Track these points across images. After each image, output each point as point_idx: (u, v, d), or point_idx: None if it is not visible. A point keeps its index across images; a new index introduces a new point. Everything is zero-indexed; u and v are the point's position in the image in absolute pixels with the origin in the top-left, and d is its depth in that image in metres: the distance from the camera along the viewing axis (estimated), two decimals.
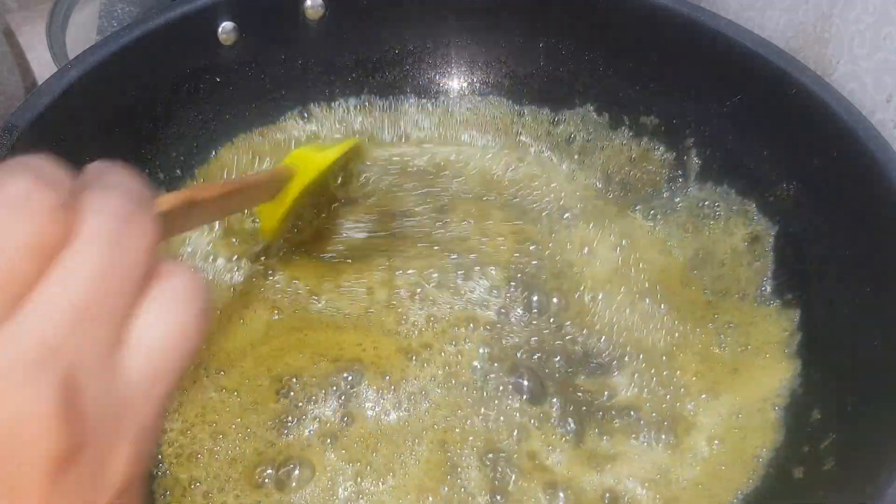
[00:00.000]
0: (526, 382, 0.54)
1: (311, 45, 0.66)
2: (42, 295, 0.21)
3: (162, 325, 0.24)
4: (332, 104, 0.69)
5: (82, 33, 0.78)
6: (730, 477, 0.51)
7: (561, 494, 0.50)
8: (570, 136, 0.69)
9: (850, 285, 0.52)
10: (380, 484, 0.50)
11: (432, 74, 0.70)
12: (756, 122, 0.60)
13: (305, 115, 0.68)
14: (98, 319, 0.22)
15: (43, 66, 0.80)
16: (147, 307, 0.24)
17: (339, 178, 0.63)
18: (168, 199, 0.31)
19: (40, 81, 0.63)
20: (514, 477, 0.50)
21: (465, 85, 0.70)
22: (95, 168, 0.26)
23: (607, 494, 0.50)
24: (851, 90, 0.57)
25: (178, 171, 0.63)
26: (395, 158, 0.69)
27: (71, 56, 0.72)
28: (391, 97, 0.70)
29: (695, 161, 0.64)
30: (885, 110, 0.55)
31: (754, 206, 0.60)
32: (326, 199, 0.63)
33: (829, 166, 0.55)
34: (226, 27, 0.61)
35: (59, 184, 0.23)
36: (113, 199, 0.24)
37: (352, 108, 0.70)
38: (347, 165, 0.64)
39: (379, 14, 0.67)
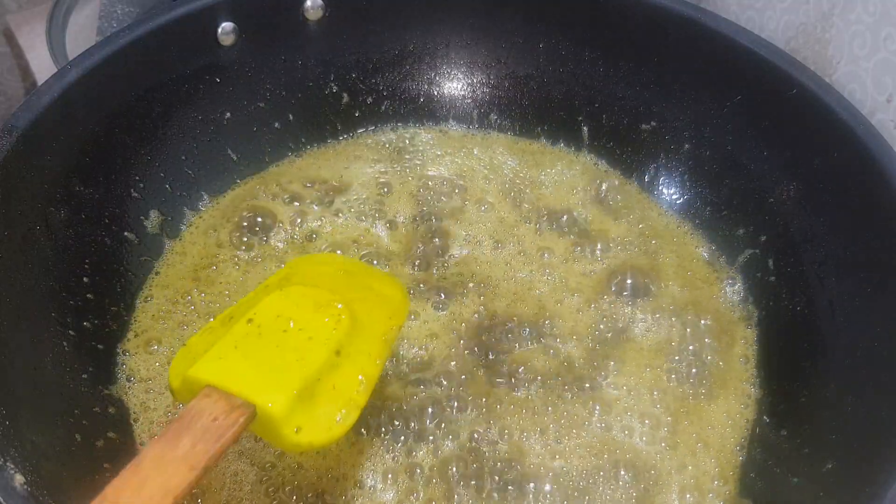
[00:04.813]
0: None
1: (311, 46, 0.66)
2: None
3: None
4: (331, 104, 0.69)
5: (82, 33, 0.78)
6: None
7: None
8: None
9: (850, 285, 0.52)
10: None
11: (432, 75, 0.70)
12: (756, 122, 0.60)
13: (304, 116, 0.68)
14: None
15: (43, 66, 0.80)
16: None
17: None
18: None
19: (40, 81, 0.63)
20: None
21: (465, 87, 0.70)
22: None
23: None
24: (851, 90, 0.57)
25: (180, 171, 0.63)
26: None
27: (71, 56, 0.73)
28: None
29: (694, 162, 0.64)
30: (885, 110, 0.55)
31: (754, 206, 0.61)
32: None
33: (829, 166, 0.55)
34: (225, 27, 0.61)
35: None
36: None
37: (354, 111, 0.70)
38: None
39: (379, 15, 0.67)
